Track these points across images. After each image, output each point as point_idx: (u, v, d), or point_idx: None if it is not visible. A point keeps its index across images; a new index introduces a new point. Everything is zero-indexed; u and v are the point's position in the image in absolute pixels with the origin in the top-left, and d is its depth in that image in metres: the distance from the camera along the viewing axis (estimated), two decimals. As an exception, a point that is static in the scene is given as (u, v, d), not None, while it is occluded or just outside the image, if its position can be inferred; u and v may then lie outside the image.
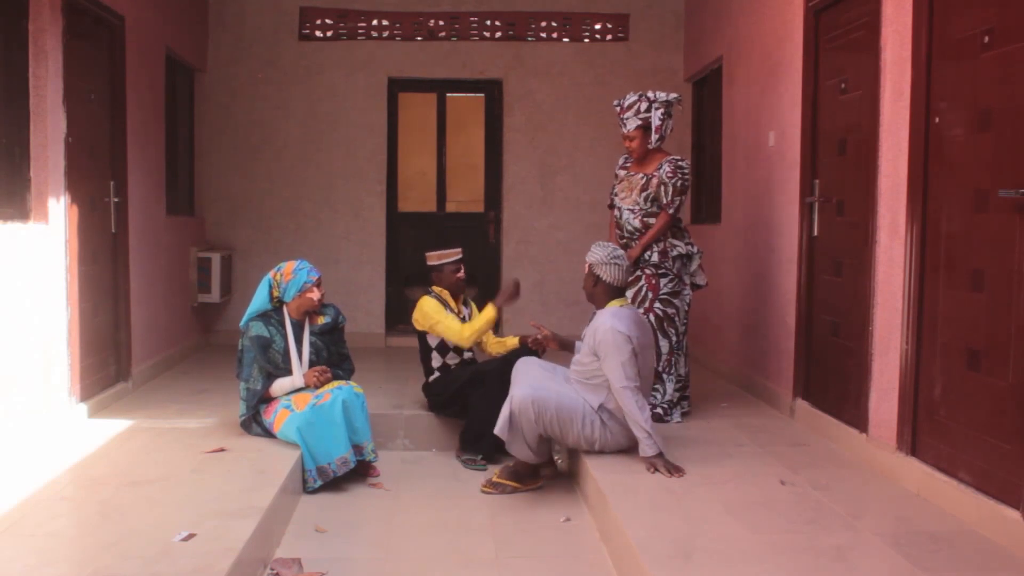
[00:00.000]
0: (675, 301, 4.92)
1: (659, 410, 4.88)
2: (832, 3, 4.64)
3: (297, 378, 4.43)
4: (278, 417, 4.33)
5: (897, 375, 3.90)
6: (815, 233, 4.81)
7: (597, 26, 7.86)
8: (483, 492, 4.31)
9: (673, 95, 5.00)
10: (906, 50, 3.85)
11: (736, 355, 6.09)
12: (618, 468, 4.05)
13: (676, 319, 4.93)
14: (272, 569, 3.35)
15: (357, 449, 4.33)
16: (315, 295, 4.48)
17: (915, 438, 3.78)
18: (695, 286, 5.03)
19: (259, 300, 4.51)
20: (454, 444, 4.98)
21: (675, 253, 4.92)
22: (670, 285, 4.90)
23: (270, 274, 4.55)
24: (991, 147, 3.33)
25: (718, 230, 6.58)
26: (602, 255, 4.21)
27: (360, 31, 7.81)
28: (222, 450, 4.24)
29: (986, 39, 3.36)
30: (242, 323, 4.53)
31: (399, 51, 7.80)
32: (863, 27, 4.30)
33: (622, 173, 5.10)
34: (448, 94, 8.09)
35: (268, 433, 4.40)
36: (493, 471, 4.48)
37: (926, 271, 3.74)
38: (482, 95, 8.04)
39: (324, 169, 7.77)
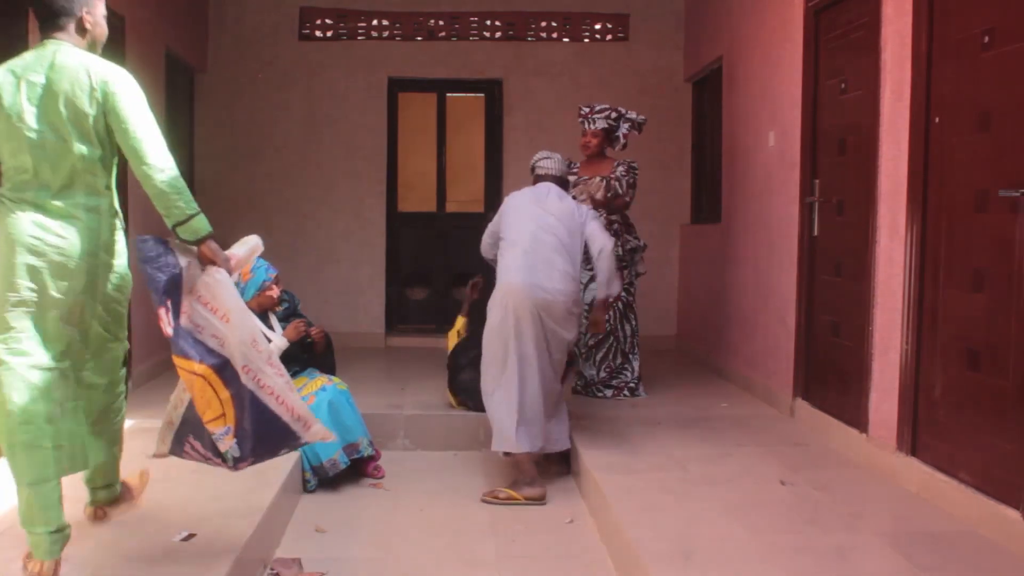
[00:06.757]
0: (631, 288, 5.64)
1: (632, 384, 5.60)
2: (832, 3, 4.64)
3: (278, 340, 4.34)
4: None
5: (897, 375, 3.90)
6: (815, 233, 4.81)
7: (597, 26, 7.86)
8: (483, 501, 4.20)
9: (641, 116, 5.61)
10: (906, 50, 3.85)
11: (736, 355, 6.09)
12: (618, 468, 4.06)
13: (634, 305, 5.66)
14: (272, 569, 3.35)
15: (352, 448, 4.32)
16: (275, 292, 4.43)
17: (915, 438, 3.78)
18: (637, 274, 5.74)
19: None
20: (454, 443, 4.98)
21: (629, 247, 5.59)
22: (628, 276, 5.59)
23: None
24: (991, 147, 3.33)
25: (718, 230, 6.58)
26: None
27: (360, 31, 7.81)
28: (222, 450, 4.24)
29: (986, 39, 3.36)
30: None
31: (399, 51, 7.80)
32: (863, 27, 4.30)
33: (572, 178, 5.52)
34: (448, 94, 8.08)
35: None
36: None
37: (926, 271, 3.74)
38: (482, 95, 8.04)
39: (324, 169, 7.77)
